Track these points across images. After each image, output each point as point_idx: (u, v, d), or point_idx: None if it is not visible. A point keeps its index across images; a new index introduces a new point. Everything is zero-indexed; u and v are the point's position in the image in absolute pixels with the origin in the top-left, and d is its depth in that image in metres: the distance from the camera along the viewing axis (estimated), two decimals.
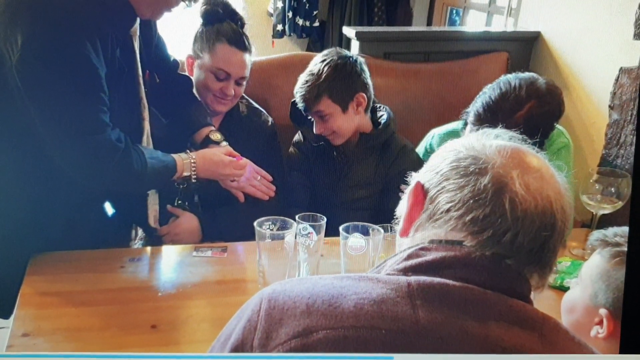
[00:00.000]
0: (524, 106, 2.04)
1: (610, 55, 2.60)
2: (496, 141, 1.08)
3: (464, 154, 1.05)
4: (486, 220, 0.99)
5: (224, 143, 2.19)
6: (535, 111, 2.04)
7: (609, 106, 2.54)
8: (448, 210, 1.02)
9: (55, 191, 1.89)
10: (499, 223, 0.98)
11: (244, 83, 2.35)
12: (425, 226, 1.07)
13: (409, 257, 1.02)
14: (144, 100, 2.00)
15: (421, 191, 1.08)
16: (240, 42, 2.28)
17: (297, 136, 2.50)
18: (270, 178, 2.27)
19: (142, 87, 1.98)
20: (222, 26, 2.27)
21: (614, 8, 2.59)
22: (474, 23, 4.07)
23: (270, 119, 2.51)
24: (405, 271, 1.00)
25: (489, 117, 2.05)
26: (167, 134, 2.20)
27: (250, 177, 2.22)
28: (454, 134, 2.32)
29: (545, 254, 1.01)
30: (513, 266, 1.00)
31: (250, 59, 2.33)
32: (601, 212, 2.08)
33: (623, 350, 1.18)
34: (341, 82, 2.28)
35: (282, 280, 1.06)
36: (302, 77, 2.32)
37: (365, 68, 2.35)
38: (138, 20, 1.90)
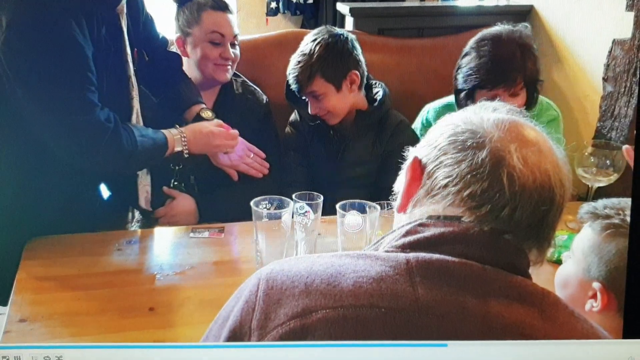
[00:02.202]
0: (526, 46, 2.19)
1: (603, 28, 2.60)
2: (494, 114, 1.07)
3: (462, 127, 1.04)
4: (484, 195, 0.98)
5: (215, 121, 2.18)
6: (532, 49, 2.20)
7: (603, 78, 2.54)
8: (446, 186, 1.01)
9: (49, 174, 1.89)
10: (497, 198, 0.97)
11: (237, 45, 2.36)
12: (423, 202, 1.06)
13: (407, 233, 1.01)
14: (133, 79, 1.99)
15: (419, 166, 1.08)
16: (222, 5, 2.32)
17: (294, 115, 2.50)
18: (263, 155, 2.27)
19: (131, 65, 1.97)
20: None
21: None
22: None
23: (264, 97, 2.51)
24: (404, 248, 0.99)
25: (511, 61, 2.16)
26: (158, 113, 2.20)
27: (243, 155, 2.23)
28: (450, 107, 2.33)
29: (543, 228, 1.01)
30: (512, 241, 0.99)
31: (234, 19, 2.35)
32: (597, 184, 2.08)
33: (626, 334, 1.18)
34: (333, 61, 2.27)
35: (280, 260, 1.06)
36: (294, 58, 2.31)
37: (357, 45, 2.34)
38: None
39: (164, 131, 2.01)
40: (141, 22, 2.10)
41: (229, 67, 2.35)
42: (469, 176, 0.99)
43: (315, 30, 2.36)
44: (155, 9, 2.24)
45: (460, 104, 2.25)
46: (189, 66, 2.35)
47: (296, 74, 2.28)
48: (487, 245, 0.98)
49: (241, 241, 1.99)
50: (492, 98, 2.11)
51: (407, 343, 0.91)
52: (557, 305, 0.98)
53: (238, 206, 1.91)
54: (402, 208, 1.10)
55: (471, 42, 2.23)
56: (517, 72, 2.13)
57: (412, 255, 0.96)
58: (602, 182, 2.07)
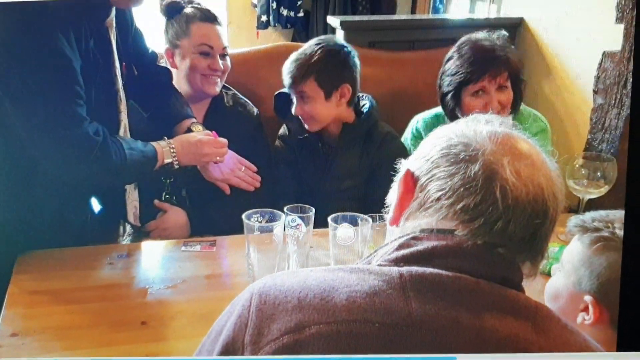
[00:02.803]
0: (503, 39, 2.25)
1: (593, 40, 2.61)
2: (487, 127, 1.06)
3: (455, 140, 1.04)
4: (477, 209, 0.98)
5: (202, 131, 2.18)
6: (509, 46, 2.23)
7: (593, 90, 2.55)
8: (439, 199, 1.01)
9: (39, 188, 1.88)
10: (490, 211, 0.97)
11: (227, 57, 2.36)
12: (415, 215, 1.05)
13: (400, 246, 1.01)
14: (121, 93, 1.98)
15: (411, 179, 1.07)
16: (211, 17, 2.32)
17: (283, 129, 2.50)
18: (254, 168, 2.27)
19: (119, 79, 1.97)
20: (187, 11, 2.31)
21: None
22: (457, 10, 4.06)
23: (255, 109, 2.51)
24: (397, 261, 0.99)
25: (495, 55, 2.20)
26: (148, 128, 2.20)
27: (235, 168, 2.22)
28: (439, 118, 2.35)
29: (537, 242, 1.01)
30: (505, 255, 0.99)
31: (223, 31, 2.36)
32: (588, 196, 2.09)
33: (620, 347, 1.18)
34: (331, 68, 2.28)
35: (273, 274, 1.06)
36: (294, 55, 2.32)
37: (357, 62, 2.35)
38: (114, 11, 1.88)
39: (153, 143, 2.01)
40: (130, 36, 2.10)
41: (218, 79, 2.34)
42: (461, 189, 0.99)
43: (323, 36, 2.38)
44: (144, 23, 2.24)
45: (447, 108, 2.29)
46: (178, 79, 2.35)
47: (292, 69, 2.28)
48: (481, 258, 0.98)
49: (233, 254, 1.99)
50: (479, 92, 2.16)
51: (415, 357, 0.91)
52: (550, 319, 0.98)
53: (230, 219, 1.92)
54: (395, 221, 1.09)
55: (452, 49, 2.28)
56: (501, 61, 2.17)
57: (405, 269, 0.96)
58: (593, 193, 2.07)
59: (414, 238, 1.01)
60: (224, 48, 2.33)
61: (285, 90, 2.42)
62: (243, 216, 1.67)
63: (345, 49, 2.33)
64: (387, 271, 0.96)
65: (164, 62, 2.37)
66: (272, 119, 2.50)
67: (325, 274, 0.99)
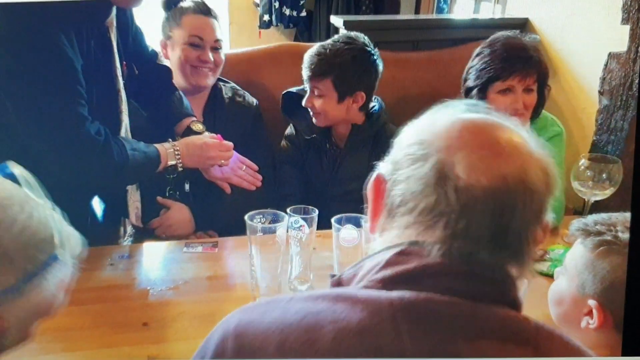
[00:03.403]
0: (530, 42, 2.22)
1: (599, 41, 2.60)
2: (448, 116, 0.98)
3: (414, 137, 0.97)
4: (435, 211, 0.90)
5: (206, 134, 2.17)
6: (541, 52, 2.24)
7: (599, 92, 2.54)
8: (399, 205, 0.95)
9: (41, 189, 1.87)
10: (448, 212, 0.90)
11: (221, 50, 2.36)
12: (389, 223, 0.98)
13: (388, 264, 0.93)
14: (122, 93, 1.98)
15: (380, 184, 1.02)
16: (204, 9, 2.32)
17: (289, 129, 2.49)
18: (255, 167, 2.25)
19: (120, 79, 1.96)
20: (183, 4, 2.32)
21: None
22: (461, 10, 4.05)
23: (255, 100, 2.50)
24: (385, 283, 0.91)
25: (528, 55, 2.17)
26: (148, 127, 2.19)
27: (235, 167, 2.21)
28: None
29: (511, 239, 0.91)
30: (491, 263, 0.91)
31: (218, 25, 2.35)
32: (593, 198, 2.08)
33: (625, 351, 1.16)
34: (351, 73, 2.27)
35: (248, 306, 0.99)
36: (318, 47, 2.30)
37: (380, 69, 2.35)
38: (114, 10, 1.88)
39: (157, 145, 2.00)
40: (131, 35, 2.10)
41: (209, 71, 2.34)
42: (417, 192, 0.92)
43: (353, 34, 2.35)
44: (145, 21, 2.24)
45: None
46: (173, 71, 2.35)
47: (313, 62, 2.27)
48: (471, 275, 0.91)
49: (235, 256, 1.99)
50: (506, 91, 2.14)
51: None
52: (552, 339, 0.93)
53: (234, 214, 1.90)
54: (372, 230, 1.04)
55: (481, 45, 2.26)
56: (532, 63, 2.15)
57: (395, 295, 0.88)
58: (599, 195, 2.06)
59: (401, 253, 0.93)
60: (216, 41, 2.32)
61: (293, 89, 2.41)
62: (246, 217, 1.65)
63: (373, 56, 2.31)
64: (376, 299, 0.88)
65: (164, 60, 2.38)
66: (276, 118, 2.49)
67: (307, 305, 0.90)
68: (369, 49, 2.31)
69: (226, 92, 2.44)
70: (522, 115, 2.17)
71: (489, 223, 0.89)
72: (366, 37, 2.35)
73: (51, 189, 1.87)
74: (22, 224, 1.06)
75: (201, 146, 2.09)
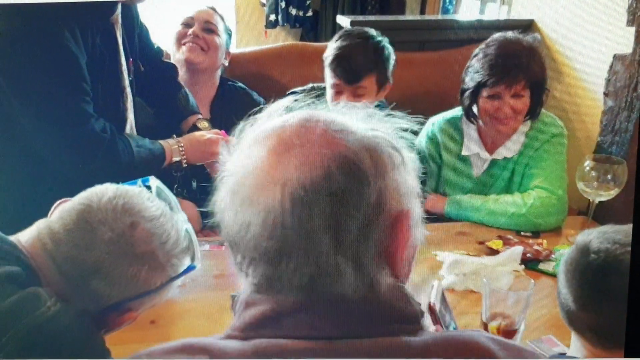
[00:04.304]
0: (533, 48, 2.21)
1: (604, 42, 2.60)
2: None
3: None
4: (254, 244, 0.82)
5: (212, 130, 2.19)
6: (539, 53, 2.22)
7: (604, 93, 2.54)
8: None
9: (47, 187, 1.87)
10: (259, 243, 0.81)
11: (215, 32, 2.40)
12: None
13: (247, 305, 0.86)
14: (127, 90, 1.99)
15: None
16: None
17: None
18: None
19: (125, 76, 1.97)
20: None
21: None
22: (467, 11, 4.06)
23: (262, 99, 2.52)
24: (246, 331, 0.84)
25: (516, 61, 2.16)
26: (154, 124, 2.21)
27: None
28: (455, 120, 2.35)
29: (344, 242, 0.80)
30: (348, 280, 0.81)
31: (217, 16, 2.42)
32: (598, 199, 2.09)
33: (627, 354, 1.16)
34: (387, 66, 2.30)
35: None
36: (345, 48, 2.26)
37: None
38: (119, 7, 1.88)
39: (161, 141, 2.03)
40: (136, 33, 2.11)
41: (198, 48, 2.38)
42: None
43: (359, 29, 2.35)
44: (150, 19, 2.26)
45: (464, 105, 2.29)
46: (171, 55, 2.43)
47: (352, 63, 2.24)
48: (332, 307, 0.82)
49: None
50: (493, 96, 2.16)
51: None
52: (447, 350, 0.82)
53: None
54: None
55: (481, 45, 2.26)
56: (520, 70, 2.15)
57: (249, 345, 0.82)
58: (603, 196, 2.07)
59: (256, 291, 0.85)
60: (207, 22, 2.38)
61: (298, 89, 2.41)
62: None
63: (390, 46, 2.34)
64: (230, 352, 0.82)
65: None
66: None
67: None
68: (385, 40, 2.33)
69: (234, 91, 2.46)
70: (510, 120, 2.19)
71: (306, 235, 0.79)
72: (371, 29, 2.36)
73: (57, 187, 1.89)
74: (172, 237, 1.19)
75: (205, 142, 2.10)
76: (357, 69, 2.24)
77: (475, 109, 2.23)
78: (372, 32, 2.32)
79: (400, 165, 0.85)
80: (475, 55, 2.25)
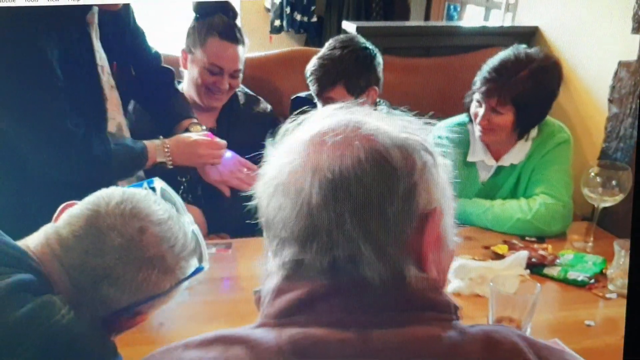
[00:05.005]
0: (527, 66, 2.15)
1: (609, 49, 2.61)
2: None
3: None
4: (300, 227, 0.84)
5: (202, 132, 2.18)
6: (537, 72, 2.16)
7: (609, 100, 2.55)
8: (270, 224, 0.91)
9: (33, 186, 1.86)
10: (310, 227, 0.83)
11: (239, 75, 2.35)
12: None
13: (279, 292, 0.86)
14: (107, 91, 1.96)
15: None
16: (232, 35, 2.29)
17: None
18: (257, 169, 2.21)
19: (103, 76, 1.94)
20: (214, 19, 2.28)
21: (611, 1, 2.59)
22: (472, 18, 4.07)
23: (269, 106, 2.51)
24: (281, 317, 0.84)
25: (495, 76, 2.15)
26: (150, 128, 2.21)
27: (235, 170, 2.19)
28: (462, 125, 2.36)
29: (380, 232, 0.82)
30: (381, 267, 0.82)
31: (243, 51, 2.33)
32: (602, 205, 2.10)
33: (628, 354, 1.17)
34: (359, 73, 2.26)
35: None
36: (318, 60, 2.28)
37: (381, 60, 2.34)
38: (95, 8, 1.86)
39: (146, 142, 2.02)
40: (127, 36, 2.09)
41: (221, 96, 2.35)
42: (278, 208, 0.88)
43: (344, 37, 2.35)
44: (155, 23, 2.26)
45: (465, 106, 2.32)
46: (187, 80, 2.37)
47: (319, 75, 2.25)
48: (364, 290, 0.82)
49: (249, 257, 2.00)
50: (480, 105, 2.19)
51: None
52: (475, 352, 0.81)
53: (246, 217, 1.91)
54: None
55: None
56: (496, 87, 2.16)
57: (285, 338, 0.81)
58: (608, 202, 2.08)
59: (287, 277, 0.86)
60: (236, 70, 2.32)
61: (302, 94, 2.42)
62: None
63: (372, 51, 2.31)
64: (266, 343, 0.81)
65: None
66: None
67: (201, 353, 0.84)
68: (364, 44, 2.31)
69: (241, 98, 2.45)
70: (488, 132, 2.22)
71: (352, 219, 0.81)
72: (359, 36, 2.37)
73: (43, 187, 1.87)
74: (180, 240, 1.21)
75: (191, 144, 2.09)
76: (321, 81, 2.26)
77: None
78: (348, 41, 2.31)
79: (432, 167, 0.87)
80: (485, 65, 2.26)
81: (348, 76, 2.24)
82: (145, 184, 1.28)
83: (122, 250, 1.13)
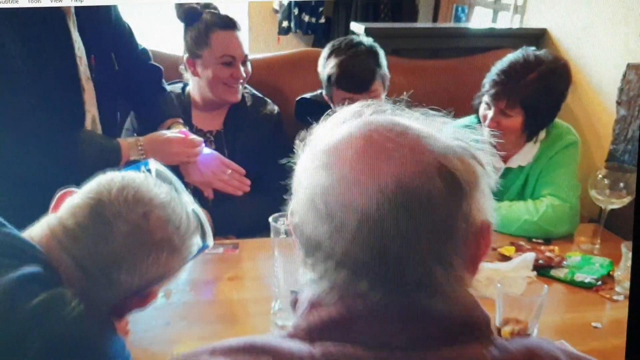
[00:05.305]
0: (535, 68, 2.14)
1: (618, 52, 2.61)
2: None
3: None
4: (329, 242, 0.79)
5: (178, 130, 2.17)
6: (546, 74, 2.15)
7: (617, 102, 2.55)
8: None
9: (28, 185, 1.85)
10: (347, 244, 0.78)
11: (249, 62, 2.36)
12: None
13: (312, 306, 0.83)
14: (84, 83, 1.95)
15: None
16: (230, 24, 2.30)
17: (304, 133, 2.49)
18: (243, 172, 2.18)
19: (81, 69, 1.93)
20: (205, 17, 2.29)
21: (620, 4, 2.59)
22: (480, 20, 4.07)
23: (276, 107, 2.50)
24: (310, 333, 0.81)
25: (504, 79, 2.15)
26: (136, 126, 2.21)
27: (218, 171, 2.16)
28: (470, 127, 2.35)
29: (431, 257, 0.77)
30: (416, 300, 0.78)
31: (242, 36, 2.34)
32: (610, 207, 2.09)
33: (628, 354, 1.17)
34: (382, 66, 2.33)
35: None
36: (350, 57, 2.31)
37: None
38: None
39: (120, 139, 2.01)
40: (109, 31, 2.06)
41: (239, 86, 2.35)
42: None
43: (356, 37, 2.38)
44: (141, 22, 2.26)
45: (474, 108, 2.33)
46: (200, 87, 2.37)
47: (363, 72, 2.29)
48: (408, 316, 0.79)
49: (256, 257, 2.01)
50: (489, 107, 2.18)
51: None
52: None
53: (253, 219, 1.91)
54: None
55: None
56: (507, 88, 2.16)
57: (319, 350, 0.79)
58: (616, 203, 2.08)
59: (325, 292, 0.82)
60: (246, 56, 2.34)
61: (307, 95, 2.42)
62: (270, 219, 1.66)
63: (376, 45, 2.36)
64: (298, 356, 0.79)
65: (182, 69, 2.40)
66: (295, 124, 2.51)
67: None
68: (368, 43, 2.38)
69: (248, 99, 2.45)
70: (500, 135, 2.18)
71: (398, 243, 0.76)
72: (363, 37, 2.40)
73: (37, 186, 1.85)
74: (184, 220, 1.23)
75: (163, 142, 2.07)
76: (365, 78, 2.28)
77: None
78: (358, 38, 2.36)
79: (484, 175, 0.83)
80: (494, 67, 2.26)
81: (379, 68, 2.32)
82: (142, 167, 1.29)
83: (129, 237, 1.15)
